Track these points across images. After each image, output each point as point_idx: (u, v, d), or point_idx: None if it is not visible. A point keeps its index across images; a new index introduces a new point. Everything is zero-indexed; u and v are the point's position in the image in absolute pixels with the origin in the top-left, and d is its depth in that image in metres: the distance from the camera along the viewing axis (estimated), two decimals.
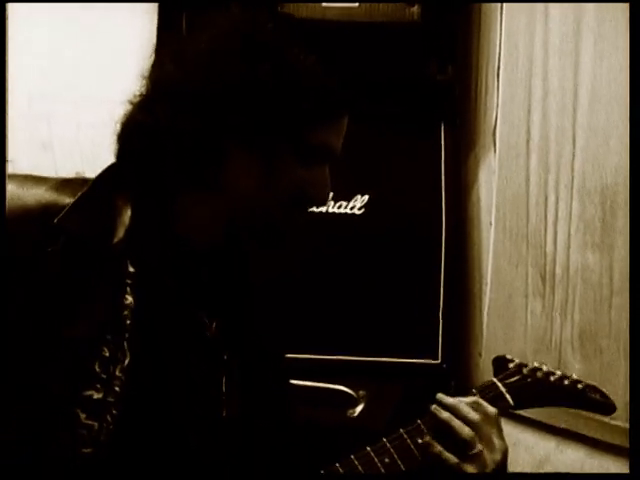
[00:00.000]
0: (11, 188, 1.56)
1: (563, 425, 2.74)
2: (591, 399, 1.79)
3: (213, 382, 1.61)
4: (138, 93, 1.58)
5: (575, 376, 1.81)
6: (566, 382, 1.78)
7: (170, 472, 1.52)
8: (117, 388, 1.48)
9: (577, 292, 2.74)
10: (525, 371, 1.77)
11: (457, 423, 1.65)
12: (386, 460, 1.62)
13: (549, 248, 2.87)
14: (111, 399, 1.47)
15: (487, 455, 1.65)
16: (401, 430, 1.64)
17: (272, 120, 1.54)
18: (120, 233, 1.54)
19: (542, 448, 2.89)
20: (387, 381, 3.11)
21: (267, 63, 1.53)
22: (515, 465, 2.94)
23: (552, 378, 1.78)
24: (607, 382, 2.41)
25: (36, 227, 1.52)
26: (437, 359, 3.14)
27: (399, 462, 1.63)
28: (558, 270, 2.83)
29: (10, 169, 2.97)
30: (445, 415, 1.66)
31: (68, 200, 1.54)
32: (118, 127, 1.58)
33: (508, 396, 1.72)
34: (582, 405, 1.82)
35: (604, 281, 2.62)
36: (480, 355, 3.21)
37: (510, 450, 2.85)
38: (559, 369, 2.51)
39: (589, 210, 2.70)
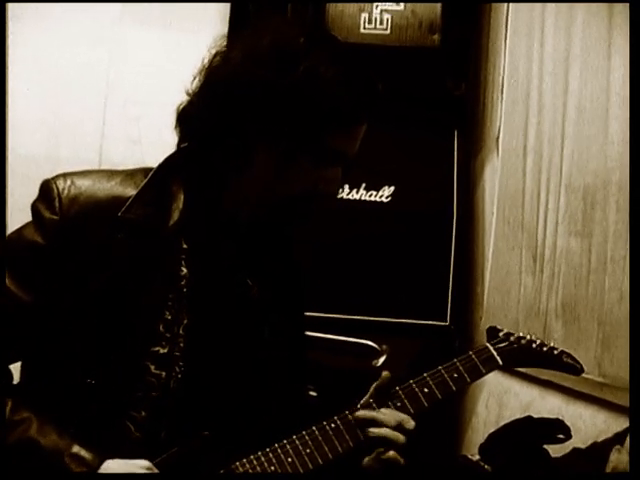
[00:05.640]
0: (88, 184, 1.66)
1: (545, 377, 2.83)
2: (564, 362, 1.88)
3: (256, 332, 1.71)
4: (192, 88, 1.66)
5: (552, 344, 1.88)
6: (545, 348, 1.86)
7: (227, 407, 1.65)
8: (181, 344, 1.61)
9: (561, 271, 2.85)
10: (512, 338, 1.84)
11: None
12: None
13: (540, 234, 3.01)
14: (177, 353, 1.61)
15: None
16: (426, 374, 1.74)
17: (292, 125, 1.59)
18: (175, 216, 1.66)
19: (527, 395, 3.03)
20: (405, 338, 3.38)
21: (294, 74, 1.58)
22: (505, 408, 3.18)
23: (534, 345, 1.85)
24: (582, 344, 2.63)
25: (106, 218, 1.63)
26: (446, 321, 3.44)
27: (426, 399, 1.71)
28: (546, 252, 2.95)
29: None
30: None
31: (132, 192, 1.65)
32: (174, 115, 1.68)
33: (498, 357, 1.79)
34: (557, 367, 1.90)
35: (583, 262, 2.71)
36: (481, 319, 3.44)
37: (501, 396, 3.22)
38: (545, 333, 2.81)
39: (573, 204, 2.81)
